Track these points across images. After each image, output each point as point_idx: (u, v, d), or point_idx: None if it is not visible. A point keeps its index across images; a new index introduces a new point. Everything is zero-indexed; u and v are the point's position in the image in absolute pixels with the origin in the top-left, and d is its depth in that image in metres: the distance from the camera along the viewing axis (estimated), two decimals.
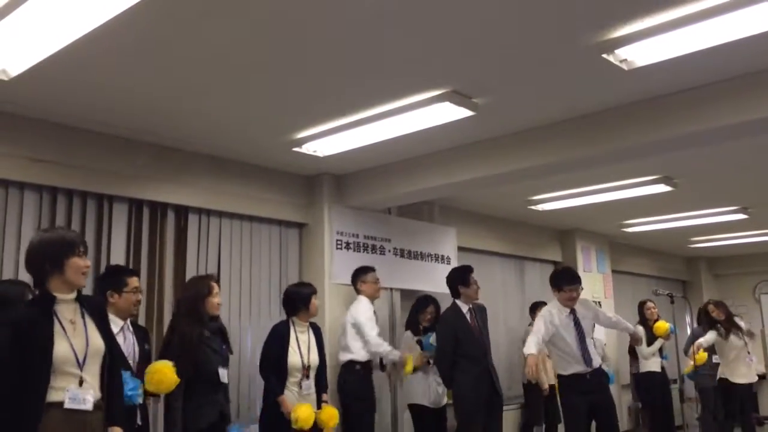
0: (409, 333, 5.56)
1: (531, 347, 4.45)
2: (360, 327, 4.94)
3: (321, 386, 4.44)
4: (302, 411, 4.08)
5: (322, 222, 5.44)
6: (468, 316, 5.02)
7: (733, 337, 6.35)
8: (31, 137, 3.99)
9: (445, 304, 5.36)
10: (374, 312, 5.10)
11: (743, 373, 6.41)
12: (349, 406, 4.85)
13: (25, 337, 2.46)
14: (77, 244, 2.65)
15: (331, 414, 4.34)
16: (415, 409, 5.44)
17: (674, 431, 7.15)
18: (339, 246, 5.46)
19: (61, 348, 2.50)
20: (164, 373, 3.39)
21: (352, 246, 5.56)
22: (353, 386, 4.89)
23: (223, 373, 3.77)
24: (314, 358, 4.38)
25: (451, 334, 4.95)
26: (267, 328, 4.61)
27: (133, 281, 3.50)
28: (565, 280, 4.77)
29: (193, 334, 3.67)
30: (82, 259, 2.63)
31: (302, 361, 4.29)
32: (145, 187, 4.50)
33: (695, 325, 7.66)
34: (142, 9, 2.66)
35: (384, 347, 5.00)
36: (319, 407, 4.34)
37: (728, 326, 6.36)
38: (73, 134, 4.16)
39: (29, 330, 2.48)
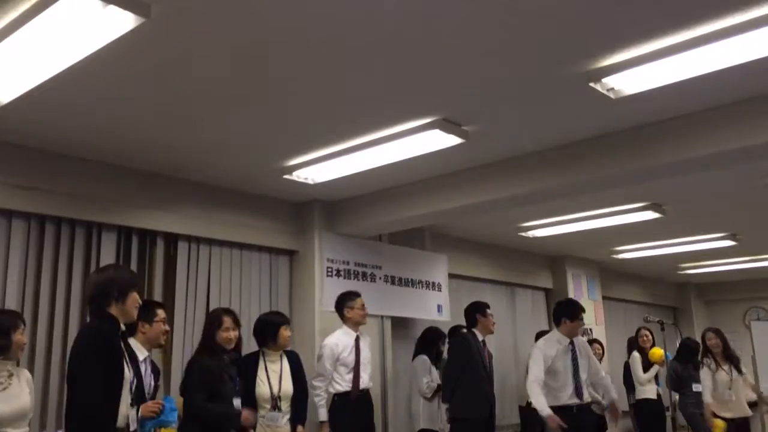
0: (424, 357, 5.62)
1: (543, 406, 4.57)
2: (317, 359, 4.79)
3: (296, 416, 4.28)
4: None
5: (312, 249, 5.42)
6: (481, 345, 5.31)
7: (721, 372, 6.03)
8: (19, 164, 3.97)
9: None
10: (355, 344, 4.84)
11: (729, 408, 6.00)
12: None
13: (109, 353, 2.73)
14: (138, 282, 3.10)
15: None
16: None
17: None
18: (329, 273, 5.44)
19: (125, 371, 2.79)
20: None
21: (342, 273, 5.54)
22: (332, 417, 4.73)
23: (237, 404, 3.85)
24: (286, 388, 4.24)
25: (464, 352, 5.22)
26: None
27: (161, 312, 3.69)
28: (579, 310, 5.01)
29: (212, 367, 3.78)
30: (138, 295, 2.94)
31: (271, 392, 4.19)
32: (133, 215, 4.48)
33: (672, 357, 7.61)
34: (131, 39, 2.68)
35: (316, 396, 4.67)
36: None
37: (719, 359, 6.03)
38: (62, 161, 4.15)
39: (114, 347, 2.77)
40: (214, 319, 3.96)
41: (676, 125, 3.84)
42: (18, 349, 3.15)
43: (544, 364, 4.73)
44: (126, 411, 2.79)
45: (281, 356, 4.35)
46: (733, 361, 6.10)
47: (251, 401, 4.14)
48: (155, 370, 3.68)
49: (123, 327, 2.89)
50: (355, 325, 4.90)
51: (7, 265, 3.95)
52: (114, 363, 2.74)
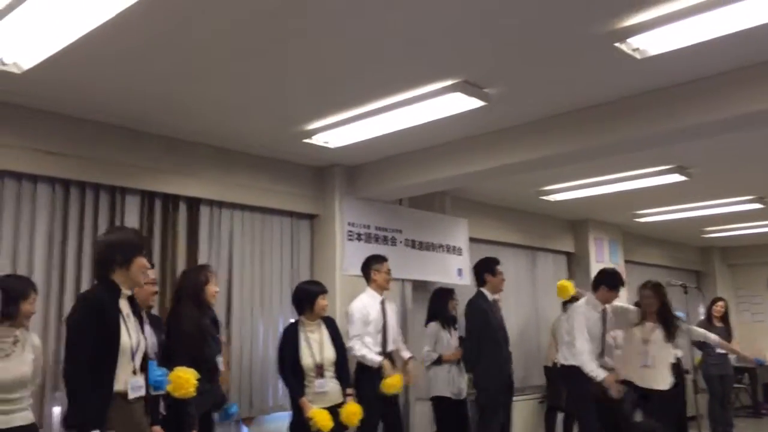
0: (435, 324, 5.57)
1: (599, 372, 4.72)
2: (348, 323, 4.81)
3: (342, 380, 4.41)
4: (318, 415, 4.11)
5: (333, 213, 5.44)
6: (492, 304, 5.29)
7: (643, 329, 5.15)
8: (43, 130, 4.01)
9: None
10: (381, 308, 4.90)
11: (641, 375, 5.10)
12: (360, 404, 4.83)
13: (101, 320, 2.66)
14: (144, 245, 2.93)
15: (351, 411, 4.29)
16: (438, 401, 5.47)
17: (686, 422, 7.12)
18: (350, 237, 5.46)
19: (123, 338, 2.70)
20: (187, 380, 3.42)
21: (363, 237, 5.56)
22: (358, 384, 4.76)
23: (219, 362, 3.88)
24: (328, 355, 4.37)
25: (480, 316, 5.17)
26: (278, 320, 4.59)
27: (151, 273, 3.60)
28: (619, 282, 5.06)
29: (201, 323, 3.75)
30: (145, 259, 2.85)
31: (314, 361, 4.29)
32: (156, 180, 4.51)
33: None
34: (153, 1, 2.66)
35: (357, 352, 4.68)
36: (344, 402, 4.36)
37: (650, 318, 5.15)
38: (85, 126, 4.18)
39: (107, 314, 2.68)
40: (202, 275, 3.88)
41: (703, 86, 3.75)
42: (25, 318, 3.18)
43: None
44: (127, 378, 2.70)
45: (319, 324, 4.45)
46: (667, 323, 5.12)
47: (298, 371, 4.25)
48: (156, 325, 3.67)
49: (129, 292, 2.82)
50: (379, 288, 4.95)
51: (34, 229, 4.02)
52: (107, 330, 2.66)
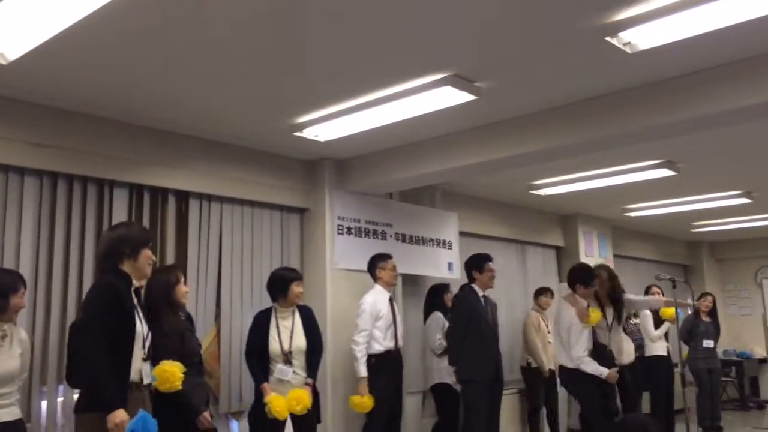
0: (438, 313, 5.69)
1: (600, 369, 4.82)
2: (358, 315, 4.87)
3: (308, 371, 4.33)
4: (274, 401, 4.07)
5: (323, 207, 5.42)
6: (482, 300, 5.26)
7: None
8: (30, 122, 3.96)
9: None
10: (390, 304, 4.99)
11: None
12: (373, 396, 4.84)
13: (120, 308, 2.81)
14: (150, 239, 3.11)
15: (296, 396, 4.15)
16: (441, 389, 5.58)
17: (673, 415, 7.18)
18: (340, 231, 5.45)
19: (138, 326, 2.87)
20: (173, 373, 3.43)
21: (353, 231, 5.55)
22: (371, 378, 4.81)
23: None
24: (298, 343, 4.31)
25: (465, 311, 5.18)
26: None
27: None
28: (592, 276, 5.10)
29: (179, 322, 3.78)
30: (150, 251, 3.01)
31: (281, 347, 4.26)
32: (145, 172, 4.48)
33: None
34: None
35: (358, 353, 4.76)
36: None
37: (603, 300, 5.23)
38: (73, 119, 4.14)
39: (124, 302, 2.83)
40: (171, 276, 3.85)
41: (693, 80, 3.76)
42: (14, 312, 3.17)
43: None
44: (139, 365, 2.83)
45: (293, 312, 4.42)
46: (617, 306, 5.22)
47: (264, 357, 4.21)
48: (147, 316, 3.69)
49: (137, 284, 2.92)
50: (386, 285, 5.06)
51: (21, 221, 3.97)
52: (125, 316, 2.79)
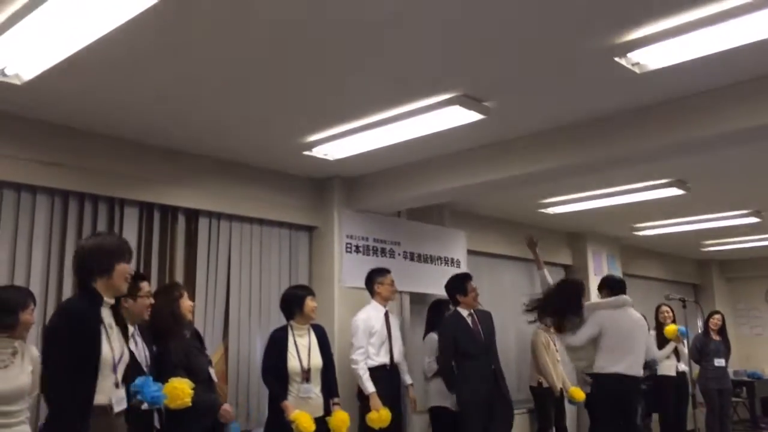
0: (434, 335, 5.57)
1: None
2: (352, 334, 4.87)
3: (329, 390, 4.41)
4: (301, 417, 4.08)
5: (332, 225, 5.43)
6: (469, 320, 5.17)
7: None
8: (43, 141, 4.00)
9: None
10: (385, 320, 4.98)
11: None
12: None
13: (79, 332, 2.55)
14: (127, 251, 2.78)
15: (341, 418, 4.29)
16: (436, 411, 5.47)
17: None
18: (349, 249, 5.45)
19: (104, 349, 2.60)
20: (182, 390, 3.38)
21: (361, 249, 5.55)
22: (362, 397, 4.84)
23: (212, 372, 3.89)
24: (315, 362, 4.36)
25: (450, 338, 5.10)
26: None
27: (145, 286, 3.57)
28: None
29: (184, 339, 3.75)
30: (128, 266, 2.74)
31: (301, 365, 4.27)
32: (155, 191, 4.51)
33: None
34: (153, 14, 2.67)
35: (360, 369, 4.75)
36: (328, 412, 4.34)
37: None
38: (85, 138, 4.18)
39: (86, 325, 2.58)
40: (174, 291, 3.85)
41: (704, 100, 3.76)
42: (24, 329, 3.14)
43: None
44: (109, 391, 2.63)
45: (308, 330, 4.44)
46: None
47: (283, 375, 4.22)
48: (148, 338, 3.60)
49: (112, 301, 2.72)
50: (384, 300, 5.04)
51: (32, 239, 4.00)
52: (87, 341, 2.57)
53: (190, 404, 3.41)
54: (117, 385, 2.65)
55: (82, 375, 2.53)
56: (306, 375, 4.27)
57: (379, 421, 4.63)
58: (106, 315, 2.68)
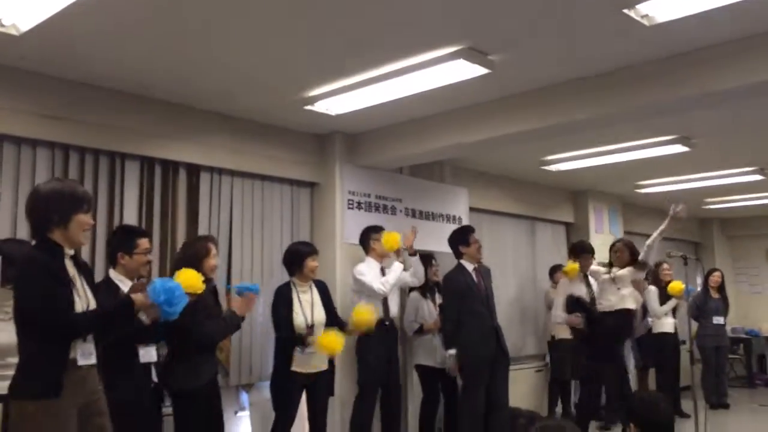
0: (415, 293, 5.55)
1: None
2: (361, 283, 4.87)
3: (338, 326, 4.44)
4: (325, 338, 4.18)
5: (333, 181, 5.41)
6: (474, 275, 5.12)
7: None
8: (42, 93, 3.95)
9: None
10: (381, 276, 4.98)
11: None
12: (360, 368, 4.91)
13: (54, 283, 2.42)
14: (86, 201, 2.59)
15: (332, 337, 4.21)
16: (422, 370, 5.50)
17: (679, 391, 7.20)
18: (350, 206, 5.44)
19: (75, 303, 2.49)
20: (195, 277, 3.01)
21: (363, 206, 5.54)
22: (360, 347, 4.90)
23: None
24: (319, 317, 4.38)
25: (456, 292, 5.06)
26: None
27: (144, 242, 3.44)
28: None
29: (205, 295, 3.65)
30: (87, 216, 2.57)
31: (306, 321, 4.31)
32: (157, 145, 4.47)
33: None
34: None
35: (386, 284, 4.84)
36: (332, 366, 4.46)
37: None
38: (85, 91, 4.13)
39: (56, 276, 2.44)
40: (201, 248, 3.64)
41: (713, 54, 3.70)
42: None
43: None
44: (78, 344, 2.50)
45: (311, 286, 4.47)
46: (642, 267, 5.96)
47: (290, 329, 4.26)
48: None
49: (71, 252, 2.56)
50: (378, 256, 5.03)
51: None
52: (60, 293, 2.43)
53: (202, 291, 3.06)
54: (84, 339, 2.51)
55: (55, 328, 2.42)
56: (310, 330, 4.31)
57: (365, 319, 4.51)
58: (69, 266, 2.54)
